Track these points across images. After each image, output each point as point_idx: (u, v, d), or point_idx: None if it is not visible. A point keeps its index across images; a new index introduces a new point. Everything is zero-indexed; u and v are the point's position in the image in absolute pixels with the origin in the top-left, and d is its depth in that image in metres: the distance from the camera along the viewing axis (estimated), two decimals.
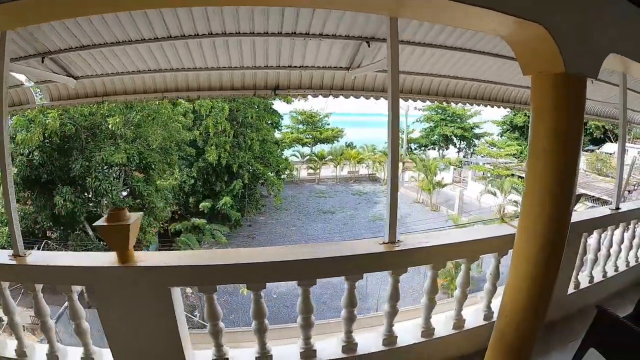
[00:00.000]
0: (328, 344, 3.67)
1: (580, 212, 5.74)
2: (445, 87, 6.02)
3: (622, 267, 5.76)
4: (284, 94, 5.53)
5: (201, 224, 26.52)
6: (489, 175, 40.33)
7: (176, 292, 3.18)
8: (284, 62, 4.96)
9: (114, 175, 23.05)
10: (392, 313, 3.65)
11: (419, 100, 5.98)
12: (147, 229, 22.73)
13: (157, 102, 21.38)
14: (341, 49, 4.72)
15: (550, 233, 2.68)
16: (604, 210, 5.42)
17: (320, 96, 5.61)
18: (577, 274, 5.10)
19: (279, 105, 36.98)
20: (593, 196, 30.19)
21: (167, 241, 26.19)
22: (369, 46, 4.47)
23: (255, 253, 3.47)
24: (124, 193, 23.82)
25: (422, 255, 3.57)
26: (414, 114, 54.26)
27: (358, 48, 4.69)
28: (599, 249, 5.34)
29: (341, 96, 5.60)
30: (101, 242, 22.74)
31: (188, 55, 4.67)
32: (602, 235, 5.33)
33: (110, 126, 19.94)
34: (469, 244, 3.77)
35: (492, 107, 6.70)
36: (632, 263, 5.93)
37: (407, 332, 3.88)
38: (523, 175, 38.28)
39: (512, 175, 37.96)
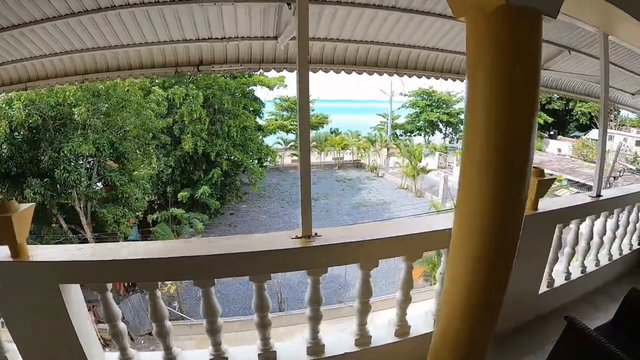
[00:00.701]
0: (244, 351, 3.26)
1: (555, 200, 5.19)
2: (397, 58, 5.36)
3: (604, 261, 5.20)
4: (208, 71, 5.05)
5: (179, 213, 25.99)
6: None
7: (70, 290, 2.86)
8: (203, 34, 4.48)
9: (87, 166, 22.44)
10: (315, 318, 3.16)
11: (364, 73, 5.34)
12: (121, 220, 22.26)
13: (125, 90, 20.89)
14: (261, 14, 4.20)
15: (494, 224, 2.00)
16: (583, 198, 4.84)
17: (249, 70, 5.13)
18: (551, 271, 4.53)
19: (261, 92, 36.51)
20: (578, 182, 30.21)
21: (147, 232, 25.65)
22: (289, 8, 3.88)
23: (148, 248, 3.03)
24: (99, 184, 23.16)
25: (345, 253, 3.03)
26: (400, 100, 54.09)
27: (280, 12, 4.14)
28: (577, 242, 4.74)
29: (273, 69, 5.05)
30: (76, 235, 22.38)
31: (98, 33, 4.24)
32: (582, 225, 4.74)
33: (76, 116, 19.30)
34: (407, 238, 3.17)
35: (454, 80, 6.05)
36: (616, 256, 5.36)
37: (338, 340, 3.37)
38: None
39: None
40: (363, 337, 3.31)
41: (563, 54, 5.62)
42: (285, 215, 33.95)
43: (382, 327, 3.50)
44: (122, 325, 2.99)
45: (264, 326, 3.09)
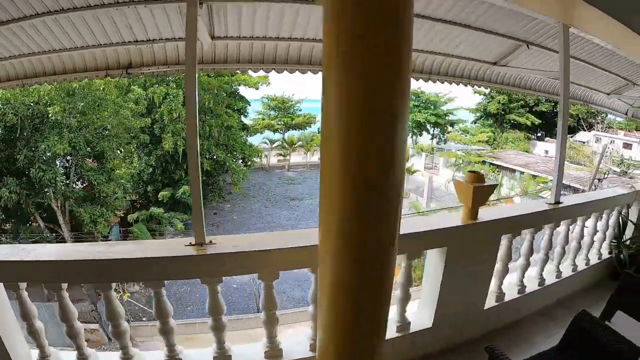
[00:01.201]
0: (152, 356, 3.25)
1: (501, 208, 4.95)
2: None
3: (567, 272, 4.92)
4: (137, 73, 4.90)
5: (158, 213, 25.63)
6: (460, 161, 40.05)
7: None
8: (128, 37, 4.37)
9: (65, 164, 22.48)
10: (218, 328, 3.04)
11: (297, 72, 5.17)
12: (99, 220, 22.01)
13: (101, 89, 20.59)
14: (179, 15, 4.04)
15: (352, 224, 1.71)
16: (540, 205, 4.54)
17: (177, 71, 4.92)
18: (501, 284, 4.25)
19: (248, 91, 36.10)
20: (563, 183, 30.21)
21: (127, 231, 25.33)
22: (200, 7, 3.72)
23: (58, 251, 3.04)
24: (78, 183, 23.05)
25: (239, 262, 2.89)
26: None
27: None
28: (532, 253, 4.43)
29: (201, 70, 4.80)
30: (53, 234, 22.12)
31: (30, 39, 4.16)
32: (540, 234, 4.49)
33: (50, 115, 19.04)
34: (311, 249, 2.87)
35: (417, 80, 5.82)
36: (582, 267, 5.10)
37: (247, 351, 3.29)
38: (494, 162, 38.59)
39: (484, 162, 37.96)
40: (273, 349, 3.18)
41: (521, 48, 5.40)
42: (268, 215, 33.83)
43: (293, 340, 3.35)
44: (38, 324, 2.98)
45: (166, 333, 3.01)
